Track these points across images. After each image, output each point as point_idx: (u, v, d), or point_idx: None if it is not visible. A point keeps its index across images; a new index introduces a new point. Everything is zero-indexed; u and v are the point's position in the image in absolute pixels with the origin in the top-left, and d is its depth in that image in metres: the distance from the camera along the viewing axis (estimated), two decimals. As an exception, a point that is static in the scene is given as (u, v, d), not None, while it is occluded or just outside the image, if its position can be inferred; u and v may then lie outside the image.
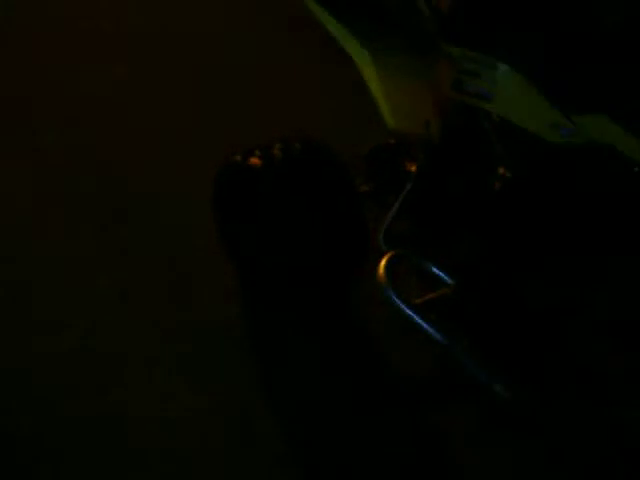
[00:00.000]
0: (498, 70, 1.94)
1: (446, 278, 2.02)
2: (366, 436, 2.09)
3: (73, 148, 2.95)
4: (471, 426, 2.07)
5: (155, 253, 2.54)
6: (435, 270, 2.02)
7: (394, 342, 2.21)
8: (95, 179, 2.82)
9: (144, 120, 3.05)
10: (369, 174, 2.31)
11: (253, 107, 3.01)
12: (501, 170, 2.04)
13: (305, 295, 2.29)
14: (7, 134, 3.02)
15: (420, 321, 1.89)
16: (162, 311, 2.38)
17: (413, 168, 2.16)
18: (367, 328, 2.30)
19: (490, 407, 1.97)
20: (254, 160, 2.22)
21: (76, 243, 2.60)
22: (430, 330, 1.88)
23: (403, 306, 1.90)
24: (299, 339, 2.28)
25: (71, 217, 2.69)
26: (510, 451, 2.00)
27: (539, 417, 1.89)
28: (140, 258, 2.53)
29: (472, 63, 1.98)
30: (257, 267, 2.35)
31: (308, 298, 2.30)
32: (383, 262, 1.98)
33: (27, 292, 2.46)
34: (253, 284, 2.39)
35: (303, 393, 2.18)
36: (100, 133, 3.01)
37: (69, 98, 3.18)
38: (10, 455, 2.05)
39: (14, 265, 2.53)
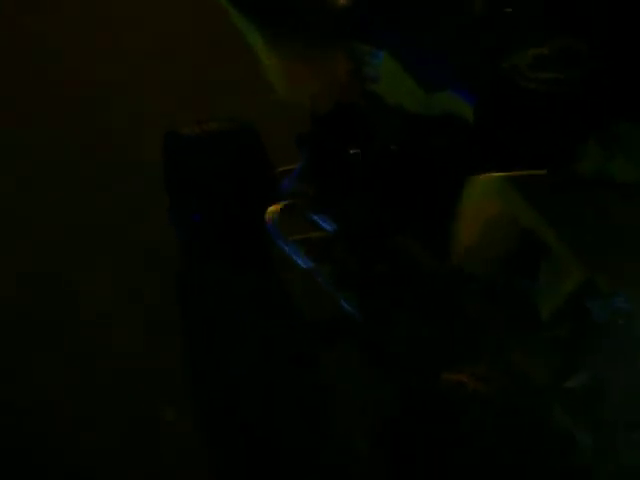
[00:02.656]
0: (380, 57, 2.36)
1: (328, 227, 2.43)
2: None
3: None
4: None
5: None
6: (317, 219, 2.43)
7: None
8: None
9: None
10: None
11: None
12: (383, 142, 2.45)
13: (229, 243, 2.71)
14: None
15: (290, 251, 2.29)
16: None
17: None
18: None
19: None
20: (191, 131, 2.69)
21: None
22: (297, 259, 2.28)
23: (278, 239, 2.31)
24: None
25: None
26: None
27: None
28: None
29: (362, 52, 2.42)
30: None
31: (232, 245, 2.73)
32: (273, 207, 2.41)
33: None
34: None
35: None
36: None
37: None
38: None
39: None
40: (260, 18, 2.43)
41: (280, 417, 2.38)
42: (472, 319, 2.09)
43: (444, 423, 1.93)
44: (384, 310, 2.19)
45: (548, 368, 1.93)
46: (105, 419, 2.36)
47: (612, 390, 1.85)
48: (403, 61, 2.28)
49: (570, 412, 1.89)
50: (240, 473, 2.27)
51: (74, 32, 3.93)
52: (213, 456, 2.32)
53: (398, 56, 2.30)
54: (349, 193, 2.43)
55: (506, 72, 1.82)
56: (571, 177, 1.72)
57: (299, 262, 2.27)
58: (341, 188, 2.45)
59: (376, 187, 2.41)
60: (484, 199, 1.76)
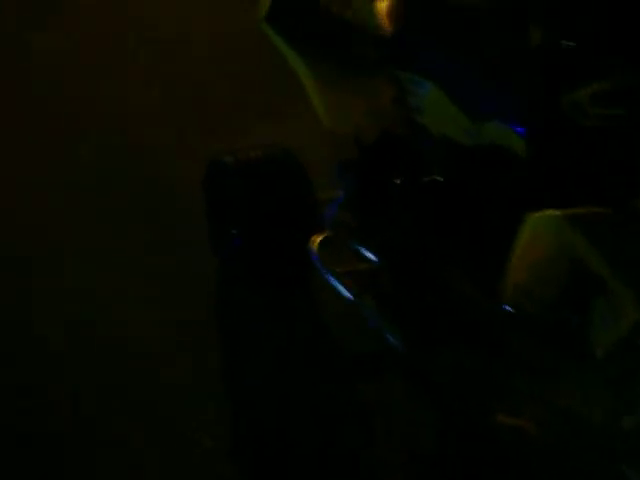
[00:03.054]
0: (426, 87, 2.33)
1: (372, 258, 2.39)
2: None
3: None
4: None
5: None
6: (363, 250, 2.40)
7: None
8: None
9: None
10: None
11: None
12: (429, 173, 2.42)
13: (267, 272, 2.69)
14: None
15: (335, 283, 2.26)
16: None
17: None
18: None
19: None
20: (233, 159, 2.68)
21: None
22: (342, 290, 2.25)
23: (323, 270, 2.28)
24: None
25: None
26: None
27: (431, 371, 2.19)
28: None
29: (406, 82, 2.39)
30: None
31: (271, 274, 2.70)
32: (318, 238, 2.38)
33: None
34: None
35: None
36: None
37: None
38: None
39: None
40: (306, 47, 2.41)
41: (316, 449, 2.34)
42: (521, 356, 2.05)
43: (495, 465, 1.88)
44: (430, 343, 2.15)
45: (602, 408, 1.88)
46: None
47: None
48: (450, 90, 2.24)
49: (625, 453, 1.85)
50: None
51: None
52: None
53: (445, 85, 2.27)
54: (394, 224, 2.40)
55: (565, 108, 1.78)
56: (631, 214, 1.68)
57: (343, 293, 2.24)
58: (385, 219, 2.42)
59: (421, 218, 2.38)
60: (540, 236, 1.72)
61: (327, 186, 2.73)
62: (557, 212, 1.67)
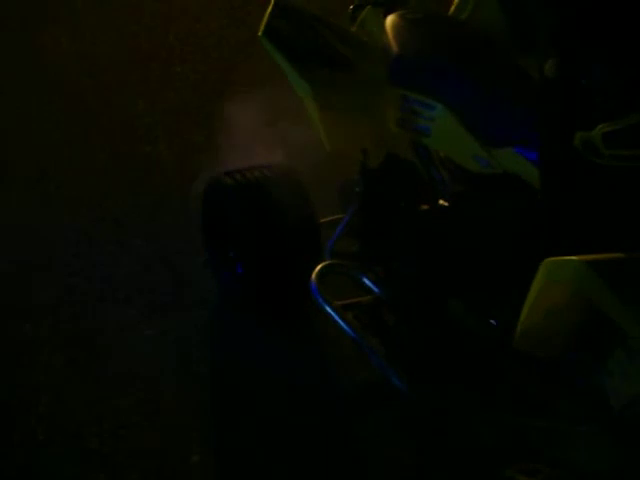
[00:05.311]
0: (436, 109, 2.20)
1: (374, 289, 2.26)
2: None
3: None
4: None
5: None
6: (365, 280, 2.27)
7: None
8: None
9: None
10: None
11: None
12: (435, 198, 2.29)
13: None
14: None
15: (336, 318, 2.13)
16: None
17: None
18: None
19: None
20: (231, 180, 2.55)
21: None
22: (343, 326, 2.11)
23: (324, 304, 2.15)
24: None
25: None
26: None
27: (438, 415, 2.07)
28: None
29: (414, 103, 2.26)
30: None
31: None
32: (318, 267, 2.25)
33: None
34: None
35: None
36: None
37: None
38: None
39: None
40: (306, 65, 2.28)
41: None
42: (531, 400, 1.93)
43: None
44: (433, 387, 2.03)
45: (615, 460, 1.76)
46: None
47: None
48: (462, 114, 2.12)
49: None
50: None
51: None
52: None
53: (457, 108, 2.14)
54: (397, 251, 2.28)
55: (578, 145, 1.66)
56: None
57: (346, 331, 2.11)
58: (388, 245, 2.30)
59: (425, 246, 2.25)
60: (558, 282, 1.60)
61: (328, 208, 2.63)
62: (575, 258, 1.54)
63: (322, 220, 2.58)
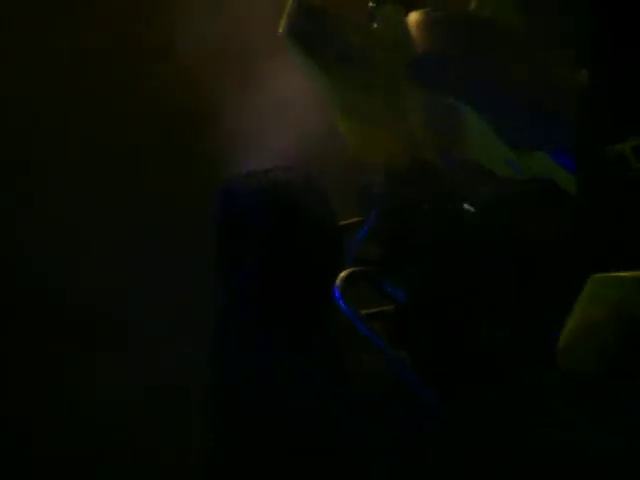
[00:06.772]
0: (463, 111, 2.14)
1: (399, 296, 2.20)
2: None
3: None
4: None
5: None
6: (389, 288, 2.21)
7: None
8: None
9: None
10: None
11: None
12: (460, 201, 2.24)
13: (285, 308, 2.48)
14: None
15: (363, 329, 2.07)
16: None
17: None
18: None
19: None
20: (245, 184, 2.48)
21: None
22: (370, 336, 2.05)
23: (350, 313, 2.09)
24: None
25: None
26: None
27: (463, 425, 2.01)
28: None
29: (440, 104, 2.19)
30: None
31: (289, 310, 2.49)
32: (342, 274, 2.18)
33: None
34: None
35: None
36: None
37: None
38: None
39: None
40: (329, 66, 2.22)
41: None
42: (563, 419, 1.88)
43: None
44: (463, 401, 1.97)
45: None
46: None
47: None
48: (492, 118, 2.06)
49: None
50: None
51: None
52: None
53: (487, 112, 2.08)
54: (421, 257, 2.22)
55: (611, 158, 1.62)
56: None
57: (375, 343, 2.05)
58: (413, 251, 2.24)
59: (451, 251, 2.19)
60: (603, 298, 1.55)
61: (348, 211, 2.56)
62: (626, 274, 1.49)
63: (342, 222, 2.51)
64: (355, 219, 2.53)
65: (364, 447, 2.24)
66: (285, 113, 2.55)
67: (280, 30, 2.32)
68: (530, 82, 2.05)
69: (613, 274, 1.52)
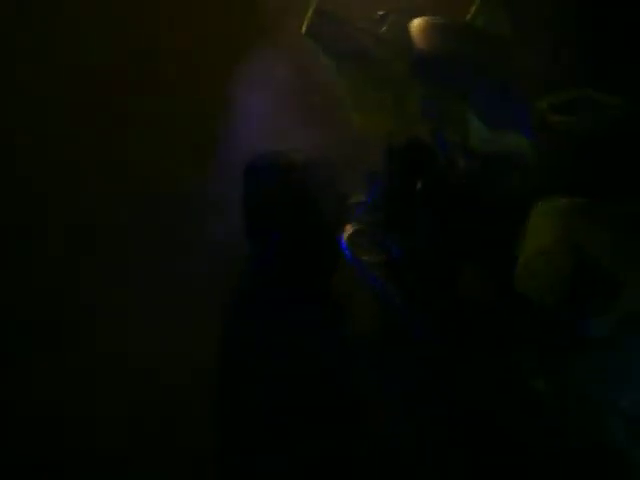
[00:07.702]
0: (448, 101, 2.58)
1: (398, 251, 2.62)
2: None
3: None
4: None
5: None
6: (388, 243, 2.63)
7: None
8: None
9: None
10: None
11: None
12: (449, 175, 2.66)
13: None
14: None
15: (363, 270, 2.48)
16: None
17: None
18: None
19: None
20: (270, 161, 2.92)
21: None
22: (371, 280, 2.46)
23: (352, 259, 2.51)
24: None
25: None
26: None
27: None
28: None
29: (433, 95, 2.64)
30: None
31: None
32: (349, 230, 2.61)
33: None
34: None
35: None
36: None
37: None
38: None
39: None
40: (342, 60, 2.67)
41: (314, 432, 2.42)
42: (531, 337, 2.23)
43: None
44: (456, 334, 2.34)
45: (604, 386, 2.05)
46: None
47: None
48: (474, 105, 2.50)
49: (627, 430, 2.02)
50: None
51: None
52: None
53: (470, 100, 2.51)
54: (416, 222, 2.63)
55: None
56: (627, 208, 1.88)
57: (371, 281, 2.46)
58: (409, 218, 2.66)
59: (441, 216, 2.61)
60: (547, 221, 1.92)
61: (354, 192, 2.98)
62: (563, 199, 1.86)
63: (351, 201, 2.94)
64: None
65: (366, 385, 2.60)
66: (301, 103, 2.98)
67: (302, 31, 2.79)
68: (502, 73, 2.49)
69: (555, 202, 1.89)
